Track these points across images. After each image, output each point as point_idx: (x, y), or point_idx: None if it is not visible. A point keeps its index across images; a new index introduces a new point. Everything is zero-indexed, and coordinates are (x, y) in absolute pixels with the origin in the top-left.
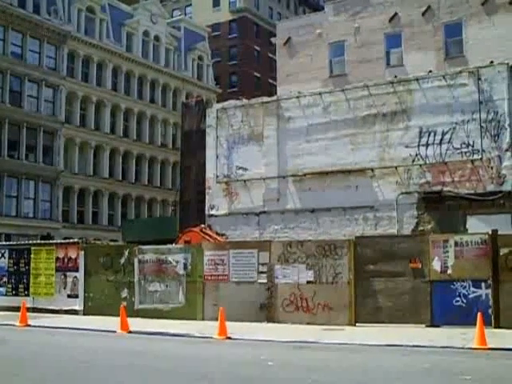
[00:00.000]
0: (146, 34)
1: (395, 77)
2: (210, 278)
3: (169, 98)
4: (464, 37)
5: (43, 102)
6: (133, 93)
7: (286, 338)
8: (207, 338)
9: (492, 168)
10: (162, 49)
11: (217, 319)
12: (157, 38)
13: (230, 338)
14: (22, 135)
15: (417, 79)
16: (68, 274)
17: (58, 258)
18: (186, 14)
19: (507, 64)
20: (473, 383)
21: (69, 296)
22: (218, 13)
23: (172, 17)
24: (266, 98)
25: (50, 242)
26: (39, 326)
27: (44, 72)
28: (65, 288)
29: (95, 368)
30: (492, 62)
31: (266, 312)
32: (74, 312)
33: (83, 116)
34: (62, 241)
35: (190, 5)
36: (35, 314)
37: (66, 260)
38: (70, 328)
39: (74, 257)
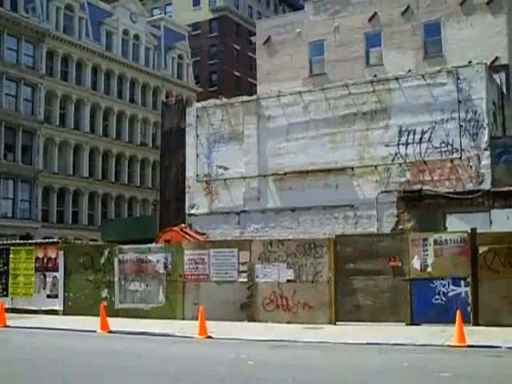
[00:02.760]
0: (125, 32)
1: (375, 76)
2: (190, 277)
3: (149, 97)
4: (442, 36)
5: (22, 100)
6: (112, 92)
7: (266, 337)
8: (188, 337)
9: (471, 167)
10: (142, 48)
11: (197, 318)
12: (136, 37)
13: (210, 337)
14: (1, 134)
15: (396, 78)
16: (47, 273)
17: (37, 258)
18: (165, 13)
19: (485, 64)
20: (452, 380)
21: (48, 296)
22: (197, 12)
23: (152, 15)
24: (245, 97)
25: (30, 241)
26: (18, 327)
27: (22, 70)
28: (44, 288)
29: (75, 368)
30: (470, 61)
31: (247, 311)
32: (54, 312)
33: (62, 115)
34: (42, 240)
35: (170, 4)
36: (14, 315)
37: (45, 260)
38: (49, 328)
39: (53, 257)
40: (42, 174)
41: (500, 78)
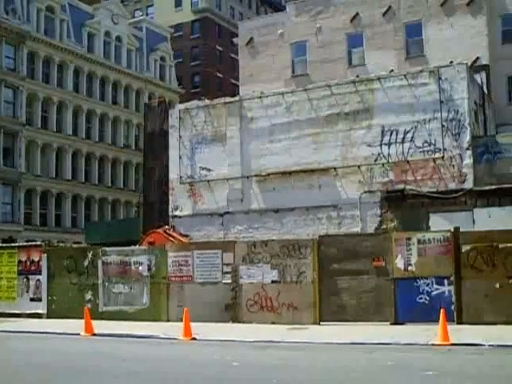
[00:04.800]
0: (107, 34)
1: (357, 76)
2: (174, 279)
3: (131, 99)
4: (424, 37)
5: (3, 103)
6: (95, 94)
7: (250, 338)
8: (172, 339)
9: (453, 166)
10: (124, 49)
11: (182, 320)
12: (118, 39)
13: (194, 338)
14: None
15: (379, 78)
16: (31, 277)
17: (20, 261)
18: (147, 15)
19: (466, 64)
20: (436, 378)
21: (32, 299)
22: (179, 13)
23: (134, 17)
24: (228, 99)
25: (12, 245)
26: (1, 331)
27: (3, 72)
28: (27, 291)
29: (58, 371)
30: (451, 62)
31: (231, 312)
32: (38, 315)
33: (45, 117)
34: (25, 243)
35: (152, 5)
36: None
37: (28, 263)
38: (33, 332)
39: (36, 260)
40: (25, 177)
41: (481, 77)
